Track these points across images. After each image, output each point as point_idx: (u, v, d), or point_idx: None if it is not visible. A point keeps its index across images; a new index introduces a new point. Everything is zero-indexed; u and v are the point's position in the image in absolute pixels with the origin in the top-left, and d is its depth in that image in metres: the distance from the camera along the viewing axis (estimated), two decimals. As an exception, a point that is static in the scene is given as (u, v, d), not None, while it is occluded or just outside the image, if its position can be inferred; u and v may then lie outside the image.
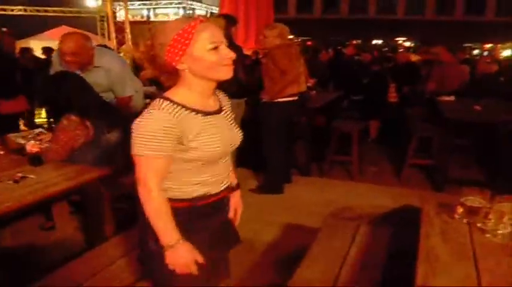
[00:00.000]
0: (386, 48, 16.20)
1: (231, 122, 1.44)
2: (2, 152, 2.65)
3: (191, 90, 1.31)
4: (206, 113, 1.32)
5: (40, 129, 2.97)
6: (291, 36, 4.09)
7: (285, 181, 4.07)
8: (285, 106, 3.75)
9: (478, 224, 1.67)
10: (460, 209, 1.74)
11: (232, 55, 1.27)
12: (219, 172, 1.40)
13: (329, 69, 6.97)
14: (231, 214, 1.57)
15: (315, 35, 20.26)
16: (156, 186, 1.26)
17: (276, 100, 3.71)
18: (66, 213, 3.04)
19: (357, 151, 4.49)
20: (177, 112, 1.24)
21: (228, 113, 1.45)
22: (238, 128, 1.47)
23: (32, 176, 2.18)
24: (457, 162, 4.39)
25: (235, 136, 1.43)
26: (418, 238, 1.59)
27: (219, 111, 1.39)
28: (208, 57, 1.24)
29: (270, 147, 3.81)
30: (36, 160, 2.35)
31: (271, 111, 3.75)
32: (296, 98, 3.82)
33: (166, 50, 1.24)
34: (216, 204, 1.43)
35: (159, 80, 1.34)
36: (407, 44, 22.49)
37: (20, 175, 2.18)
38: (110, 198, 2.59)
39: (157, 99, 1.28)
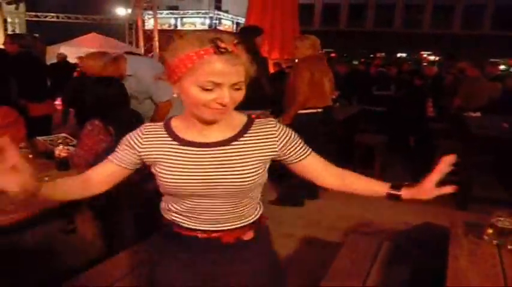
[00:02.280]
0: (409, 62, 16.08)
1: (241, 159, 1.19)
2: (30, 156, 2.72)
3: (187, 114, 1.20)
4: (185, 142, 1.20)
5: (65, 135, 3.05)
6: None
7: (310, 196, 4.03)
8: (308, 118, 3.73)
9: (509, 246, 1.64)
10: (490, 230, 1.70)
11: (226, 101, 1.08)
12: (196, 211, 1.24)
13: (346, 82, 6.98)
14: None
15: (339, 47, 20.23)
16: (82, 171, 1.32)
17: (300, 112, 3.70)
18: (87, 217, 3.08)
19: (379, 165, 4.44)
20: (151, 131, 1.24)
21: (244, 148, 1.20)
22: (253, 167, 1.20)
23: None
24: (481, 180, 4.30)
25: (226, 177, 1.18)
26: (446, 259, 1.57)
27: (218, 143, 1.20)
28: (197, 94, 1.09)
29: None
30: (63, 164, 2.40)
31: (293, 123, 3.69)
32: (320, 110, 3.80)
33: (167, 64, 1.14)
34: (194, 241, 1.27)
35: None
36: (432, 58, 22.25)
37: (46, 179, 2.22)
38: (131, 204, 2.62)
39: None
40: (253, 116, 1.26)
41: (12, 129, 3.08)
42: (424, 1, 26.19)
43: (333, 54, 13.33)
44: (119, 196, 2.45)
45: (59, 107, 6.67)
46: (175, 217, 1.27)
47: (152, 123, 1.27)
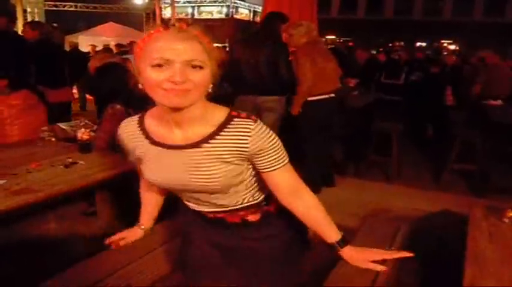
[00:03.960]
0: (428, 52, 15.82)
1: (209, 161, 1.15)
2: (53, 139, 2.79)
3: (159, 109, 1.16)
4: (156, 143, 1.20)
5: (86, 121, 3.11)
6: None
7: (327, 183, 4.02)
8: (318, 105, 3.68)
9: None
10: (510, 213, 1.72)
11: (176, 79, 1.01)
12: (190, 201, 1.32)
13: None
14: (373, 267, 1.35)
15: (357, 35, 20.00)
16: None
17: (309, 99, 3.66)
18: (108, 200, 3.15)
19: (397, 152, 4.42)
20: (129, 129, 1.27)
21: (214, 150, 1.14)
22: (222, 169, 1.15)
23: (81, 162, 2.30)
24: (500, 169, 4.25)
25: (197, 178, 1.17)
26: (464, 240, 1.58)
27: (187, 146, 1.15)
28: (149, 74, 1.03)
29: (305, 145, 3.78)
30: (86, 147, 2.46)
31: (304, 110, 3.68)
32: (331, 95, 3.75)
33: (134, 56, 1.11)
34: (206, 218, 1.34)
35: None
36: (452, 47, 21.83)
37: (70, 160, 2.29)
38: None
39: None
40: (233, 113, 1.15)
41: (34, 112, 3.17)
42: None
43: (350, 43, 13.19)
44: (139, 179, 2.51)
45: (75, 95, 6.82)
46: (185, 201, 1.35)
47: (128, 120, 1.30)
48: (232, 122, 1.13)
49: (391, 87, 7.08)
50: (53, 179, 2.05)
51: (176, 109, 1.08)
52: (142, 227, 1.60)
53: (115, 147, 2.54)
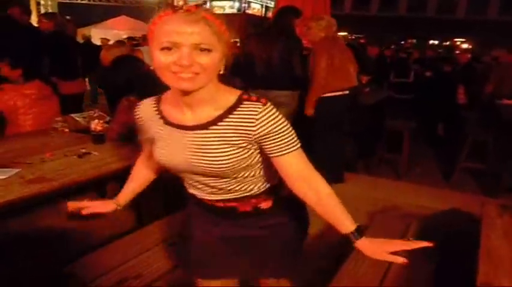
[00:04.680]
0: (440, 50, 15.65)
1: (217, 143, 1.15)
2: (66, 130, 2.83)
3: (173, 91, 1.18)
4: (168, 123, 1.21)
5: (99, 112, 3.14)
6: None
7: (336, 179, 4.00)
8: (331, 101, 3.65)
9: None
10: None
11: (183, 62, 1.01)
12: (200, 186, 1.29)
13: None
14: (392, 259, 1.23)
15: (369, 32, 19.85)
16: (139, 157, 1.49)
17: (324, 95, 3.63)
18: (117, 190, 3.17)
19: (407, 150, 4.41)
20: (145, 109, 1.27)
21: (223, 132, 1.14)
22: (229, 152, 1.15)
23: (95, 153, 2.33)
24: (511, 169, 4.21)
25: (203, 161, 1.16)
26: (474, 239, 1.58)
27: (196, 127, 1.16)
28: (158, 57, 1.04)
29: (317, 141, 3.75)
30: (99, 138, 2.50)
31: (318, 106, 3.65)
32: (346, 93, 3.72)
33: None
34: (215, 208, 1.32)
35: None
36: (465, 46, 21.54)
37: (83, 150, 2.32)
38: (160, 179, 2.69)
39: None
40: (244, 96, 1.15)
41: (48, 102, 3.20)
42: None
43: (362, 40, 13.10)
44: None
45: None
46: (191, 190, 1.34)
47: (147, 100, 1.29)
48: (242, 105, 1.13)
49: (401, 85, 7.04)
50: (67, 169, 2.08)
51: (186, 92, 1.09)
52: (117, 203, 1.52)
53: (130, 138, 2.57)
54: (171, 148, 1.21)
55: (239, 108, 1.13)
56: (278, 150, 1.15)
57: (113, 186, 3.05)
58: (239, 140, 1.14)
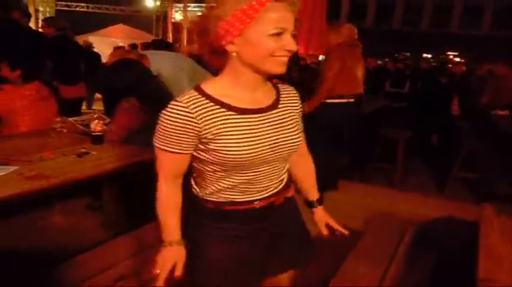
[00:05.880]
0: (434, 63, 15.79)
1: (289, 121, 1.23)
2: (65, 130, 2.83)
3: (234, 81, 1.14)
4: (242, 111, 1.14)
5: (100, 113, 3.15)
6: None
7: (330, 188, 4.00)
8: (335, 108, 3.67)
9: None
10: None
11: (293, 47, 1.08)
12: (256, 181, 1.21)
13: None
14: (324, 230, 1.45)
15: (365, 44, 20.03)
16: (165, 179, 1.20)
17: (329, 101, 3.65)
18: (114, 193, 3.16)
19: (402, 159, 4.44)
20: (198, 106, 1.10)
21: (286, 110, 1.24)
22: (297, 129, 1.26)
23: (93, 152, 2.34)
24: (505, 179, 4.25)
25: (286, 139, 1.20)
26: (474, 240, 1.61)
27: (270, 107, 1.20)
28: (266, 42, 1.05)
29: (313, 148, 3.76)
30: (98, 138, 2.50)
31: (321, 112, 3.66)
32: (351, 100, 3.74)
33: (220, 25, 1.07)
34: (252, 212, 1.25)
35: (203, 59, 1.21)
36: (458, 59, 21.77)
37: (83, 150, 2.33)
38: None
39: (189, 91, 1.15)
40: (274, 81, 1.28)
41: (46, 104, 3.20)
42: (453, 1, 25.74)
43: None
44: (147, 173, 2.53)
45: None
46: (229, 194, 1.22)
47: (186, 99, 1.11)
48: (281, 87, 1.28)
49: (396, 95, 7.13)
50: (66, 167, 2.09)
51: (273, 75, 1.15)
52: (178, 243, 1.24)
53: (128, 140, 2.58)
54: (251, 137, 1.14)
55: (282, 90, 1.28)
56: (301, 127, 1.33)
57: (109, 189, 3.07)
58: (296, 116, 1.29)
